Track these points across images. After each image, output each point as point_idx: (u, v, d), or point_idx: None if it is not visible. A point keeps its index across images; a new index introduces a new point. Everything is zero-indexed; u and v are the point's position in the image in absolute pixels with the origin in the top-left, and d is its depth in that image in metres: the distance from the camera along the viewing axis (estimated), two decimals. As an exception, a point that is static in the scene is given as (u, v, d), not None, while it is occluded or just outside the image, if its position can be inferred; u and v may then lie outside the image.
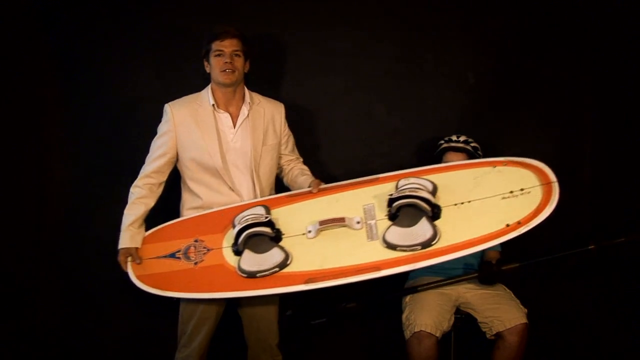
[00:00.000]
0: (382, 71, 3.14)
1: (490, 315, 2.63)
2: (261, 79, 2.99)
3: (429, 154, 2.93)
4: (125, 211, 2.58)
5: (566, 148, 3.12)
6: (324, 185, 2.57)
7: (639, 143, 3.05)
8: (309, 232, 2.45)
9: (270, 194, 2.66)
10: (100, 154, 3.16)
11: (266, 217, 2.43)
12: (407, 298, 2.74)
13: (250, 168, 2.58)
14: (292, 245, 2.44)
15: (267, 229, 2.42)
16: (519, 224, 2.29)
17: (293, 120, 2.96)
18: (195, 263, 2.49)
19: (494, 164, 2.44)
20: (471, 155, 2.81)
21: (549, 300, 3.09)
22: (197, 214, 2.58)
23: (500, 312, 2.61)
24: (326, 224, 2.42)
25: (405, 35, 3.14)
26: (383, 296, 2.88)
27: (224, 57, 2.53)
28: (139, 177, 2.62)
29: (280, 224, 2.48)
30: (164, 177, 2.64)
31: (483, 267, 2.73)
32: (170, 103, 2.62)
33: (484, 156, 2.79)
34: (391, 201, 2.38)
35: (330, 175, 2.99)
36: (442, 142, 2.89)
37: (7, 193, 3.02)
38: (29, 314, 3.11)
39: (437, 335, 2.56)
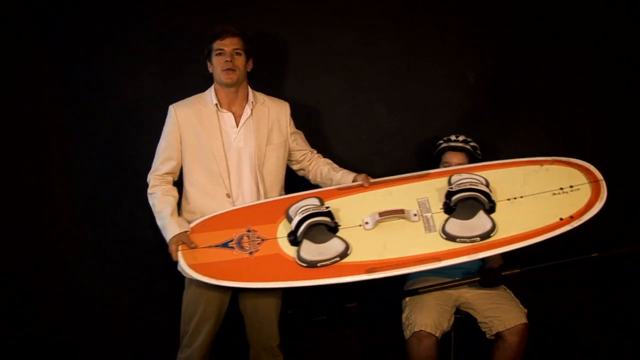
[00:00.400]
0: (382, 71, 3.13)
1: (490, 315, 2.63)
2: (261, 79, 2.98)
3: (429, 154, 2.95)
4: (158, 208, 2.53)
5: (566, 148, 3.09)
6: (373, 180, 2.61)
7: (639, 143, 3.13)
8: (366, 223, 2.47)
9: (279, 194, 2.64)
10: (100, 155, 3.08)
11: (327, 208, 2.44)
12: (407, 298, 2.74)
13: (254, 168, 2.58)
14: (349, 236, 2.45)
15: (328, 219, 2.42)
16: (572, 218, 2.42)
17: (293, 121, 2.97)
18: (251, 253, 2.44)
19: (541, 163, 2.57)
20: (470, 154, 2.82)
21: (549, 301, 3.12)
22: (191, 217, 2.55)
23: (500, 312, 2.61)
24: (386, 215, 2.45)
25: (405, 36, 3.14)
26: (384, 296, 2.88)
27: (224, 55, 2.52)
28: (151, 181, 2.59)
29: (335, 216, 2.49)
30: (175, 177, 2.62)
31: (485, 272, 2.73)
32: (174, 104, 2.60)
33: (483, 156, 2.85)
34: (450, 194, 2.45)
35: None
36: (441, 142, 2.90)
37: (7, 193, 2.96)
38: (29, 314, 3.03)
39: (437, 335, 2.55)
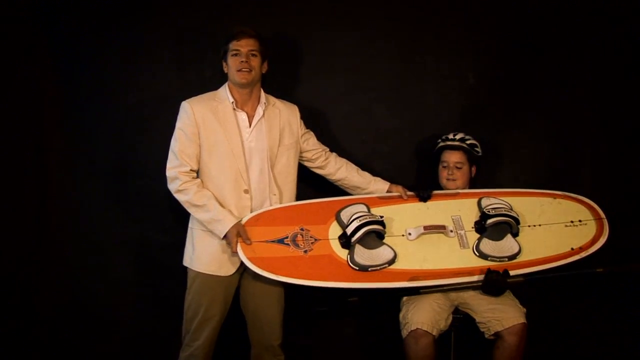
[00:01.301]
0: (382, 71, 3.15)
1: (488, 316, 2.66)
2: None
3: (429, 154, 3.04)
4: (198, 202, 2.51)
5: (566, 149, 3.22)
6: (410, 193, 2.82)
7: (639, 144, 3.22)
8: (409, 234, 2.68)
9: (291, 194, 2.72)
10: (101, 154, 3.03)
11: (381, 217, 2.62)
12: (405, 297, 2.78)
13: (266, 168, 2.63)
14: (393, 245, 2.64)
15: (382, 228, 2.61)
16: (581, 249, 2.77)
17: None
18: (305, 251, 2.56)
19: (554, 196, 2.91)
20: (467, 152, 2.90)
21: (549, 300, 3.18)
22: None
23: (499, 312, 2.64)
24: (430, 229, 2.68)
25: (405, 35, 3.16)
26: (385, 293, 2.74)
27: (240, 56, 2.57)
28: (179, 178, 2.54)
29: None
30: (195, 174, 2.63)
31: (488, 276, 2.65)
32: (187, 100, 2.61)
33: (484, 155, 2.97)
34: (486, 216, 2.73)
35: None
36: (440, 141, 2.97)
37: (8, 193, 2.94)
38: (29, 313, 3.05)
39: (434, 333, 2.59)
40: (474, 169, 2.96)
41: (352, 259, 2.56)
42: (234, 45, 2.56)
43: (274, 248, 2.54)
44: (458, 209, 2.81)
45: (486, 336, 2.68)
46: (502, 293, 2.69)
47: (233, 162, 2.56)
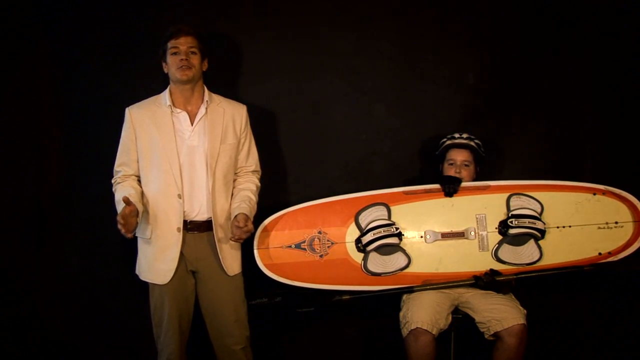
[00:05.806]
0: (382, 71, 3.11)
1: (488, 315, 2.62)
2: (261, 78, 3.03)
3: (429, 154, 3.03)
4: (117, 197, 2.54)
5: (566, 148, 3.17)
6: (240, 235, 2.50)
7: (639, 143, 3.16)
8: (428, 237, 2.71)
9: (228, 194, 2.63)
10: (99, 153, 2.94)
11: (397, 229, 2.66)
12: (405, 296, 2.75)
13: (207, 166, 2.56)
14: (410, 247, 2.71)
15: (397, 240, 2.67)
16: (610, 254, 2.71)
17: (293, 121, 3.08)
18: (321, 256, 2.70)
19: (594, 191, 2.76)
20: (475, 151, 2.85)
21: (551, 303, 3.14)
22: (149, 219, 2.57)
23: (498, 312, 2.60)
24: (448, 237, 2.69)
25: (405, 35, 3.11)
26: (379, 291, 2.75)
27: (179, 54, 2.53)
28: (113, 185, 2.61)
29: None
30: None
31: (476, 277, 2.69)
32: (129, 107, 2.61)
33: (486, 155, 2.90)
34: (507, 225, 2.68)
35: (330, 175, 3.10)
36: (445, 139, 2.91)
37: (7, 193, 2.94)
38: (29, 314, 3.07)
39: (434, 332, 2.56)
40: (477, 169, 2.86)
41: (365, 266, 2.68)
42: (172, 43, 2.53)
43: (292, 254, 2.70)
44: (484, 206, 2.75)
45: (486, 337, 2.65)
46: (502, 288, 2.68)
47: (167, 167, 2.54)
